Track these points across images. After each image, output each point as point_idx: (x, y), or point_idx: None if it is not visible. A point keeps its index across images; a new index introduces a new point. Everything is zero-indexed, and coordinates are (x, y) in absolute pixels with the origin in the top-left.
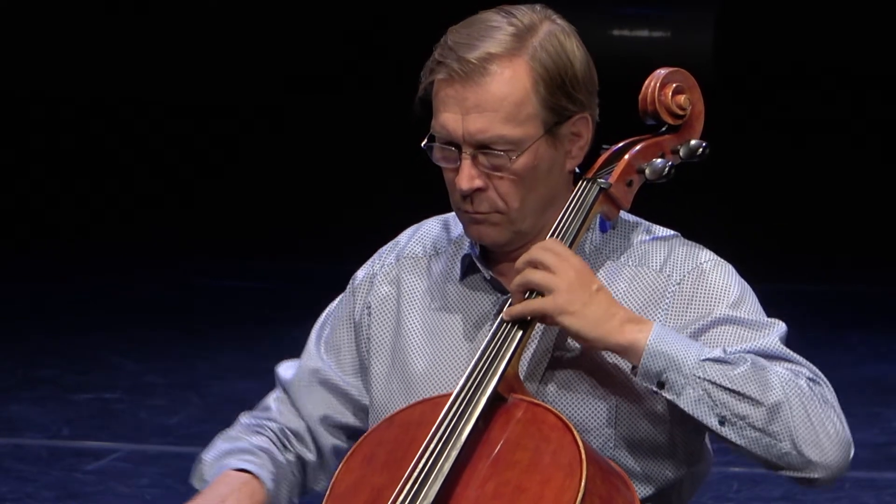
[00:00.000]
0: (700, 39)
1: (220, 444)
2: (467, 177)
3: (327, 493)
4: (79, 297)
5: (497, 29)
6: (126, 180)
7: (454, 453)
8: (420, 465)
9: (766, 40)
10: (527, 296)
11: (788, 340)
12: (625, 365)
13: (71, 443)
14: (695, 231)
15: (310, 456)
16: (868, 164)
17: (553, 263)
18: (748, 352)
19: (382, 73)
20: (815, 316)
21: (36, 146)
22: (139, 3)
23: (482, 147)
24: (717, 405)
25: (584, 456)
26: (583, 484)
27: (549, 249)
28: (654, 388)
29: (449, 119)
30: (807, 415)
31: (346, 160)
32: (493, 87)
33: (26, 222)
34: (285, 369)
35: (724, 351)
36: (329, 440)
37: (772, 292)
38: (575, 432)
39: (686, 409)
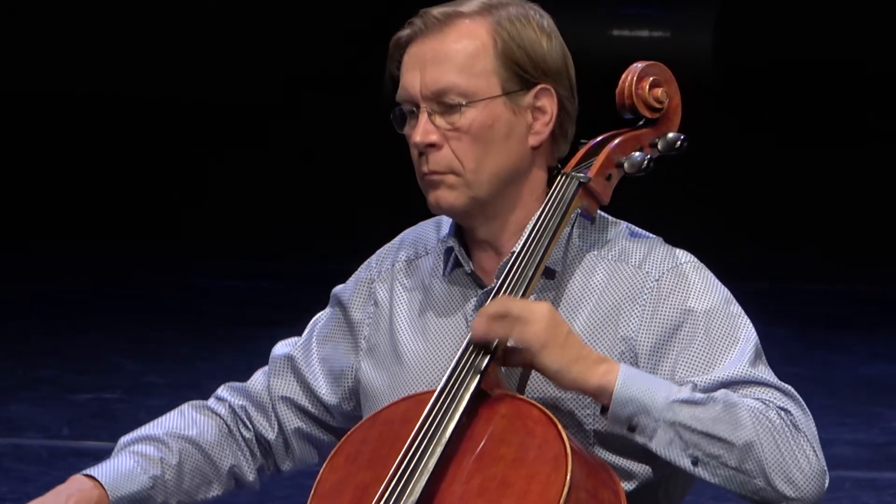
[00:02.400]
0: (700, 39)
1: (147, 426)
2: (422, 131)
3: (312, 491)
4: (79, 297)
5: (469, 1)
6: (126, 180)
7: (439, 449)
8: (405, 462)
9: (765, 40)
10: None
11: (788, 342)
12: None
13: (71, 443)
14: (695, 231)
15: (270, 435)
16: (868, 164)
17: (525, 307)
18: (718, 383)
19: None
20: (814, 316)
21: (36, 145)
22: (139, 2)
23: (437, 98)
24: (688, 447)
25: (569, 450)
26: (568, 478)
27: (511, 303)
28: (625, 433)
29: (408, 79)
30: (779, 450)
31: (347, 160)
32: (450, 37)
33: (26, 222)
34: (279, 346)
35: (694, 386)
36: (292, 421)
37: (771, 292)
38: (560, 426)
39: (658, 451)
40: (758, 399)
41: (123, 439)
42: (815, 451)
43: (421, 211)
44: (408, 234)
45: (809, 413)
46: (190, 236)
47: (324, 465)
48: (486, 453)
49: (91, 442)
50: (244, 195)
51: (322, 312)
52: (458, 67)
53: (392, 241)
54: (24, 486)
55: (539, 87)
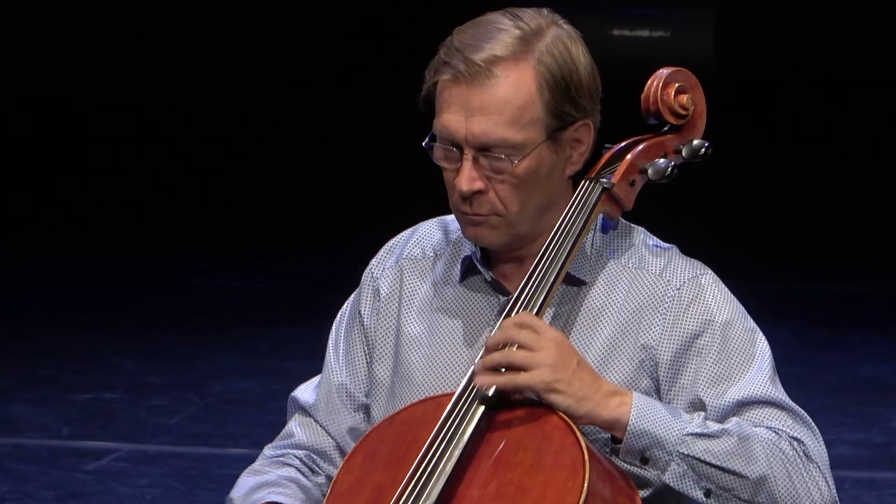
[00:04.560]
0: (700, 39)
1: (245, 481)
2: (467, 178)
3: (328, 491)
4: (79, 297)
5: (504, 31)
6: (126, 180)
7: (456, 453)
8: (423, 465)
9: (766, 40)
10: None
11: (788, 342)
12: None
13: (71, 443)
14: (696, 232)
15: None
16: (869, 163)
17: (532, 342)
18: (737, 402)
19: (388, 72)
20: (814, 316)
21: (36, 146)
22: (140, 3)
23: (484, 149)
24: (701, 479)
25: (586, 457)
26: (585, 485)
27: (525, 326)
28: (638, 465)
29: (452, 120)
30: (791, 483)
31: (347, 160)
32: (497, 90)
33: (27, 222)
34: (303, 392)
35: (706, 416)
36: None
37: (772, 292)
38: (578, 432)
39: (671, 483)
40: (771, 427)
41: (238, 494)
42: (826, 481)
43: (421, 212)
44: (409, 234)
45: (821, 438)
46: (190, 236)
47: (341, 465)
48: (504, 458)
49: (91, 442)
50: (244, 195)
51: (335, 329)
52: (507, 122)
53: (393, 242)
54: (24, 486)
55: (578, 123)
